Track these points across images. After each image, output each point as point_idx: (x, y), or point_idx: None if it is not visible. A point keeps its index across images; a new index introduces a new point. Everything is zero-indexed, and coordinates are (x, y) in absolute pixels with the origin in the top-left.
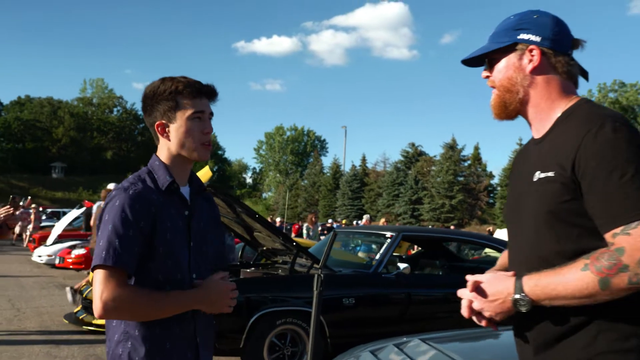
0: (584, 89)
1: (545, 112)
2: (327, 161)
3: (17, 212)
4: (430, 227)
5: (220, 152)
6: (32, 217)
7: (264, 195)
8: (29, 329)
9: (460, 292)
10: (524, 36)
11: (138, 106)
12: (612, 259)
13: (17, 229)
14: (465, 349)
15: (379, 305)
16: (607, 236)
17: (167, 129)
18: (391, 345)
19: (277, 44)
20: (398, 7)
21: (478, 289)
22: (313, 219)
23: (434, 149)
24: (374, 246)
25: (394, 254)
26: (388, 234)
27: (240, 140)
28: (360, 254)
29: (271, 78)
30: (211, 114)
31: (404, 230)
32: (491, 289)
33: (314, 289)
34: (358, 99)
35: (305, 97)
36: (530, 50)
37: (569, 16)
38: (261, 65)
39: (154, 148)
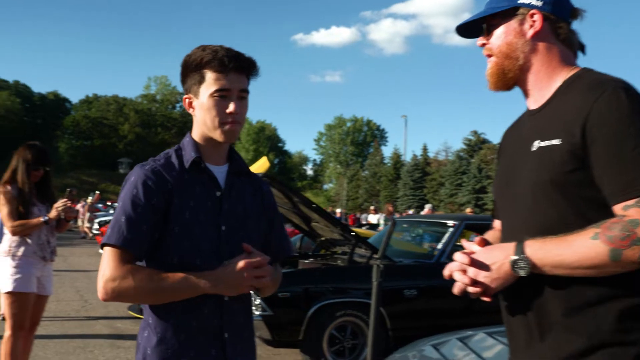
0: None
1: (545, 81)
2: (387, 151)
3: (75, 206)
4: None
5: (280, 144)
6: (85, 209)
7: (325, 186)
8: (95, 320)
9: (450, 266)
10: (524, 0)
11: None
12: (626, 230)
13: (79, 222)
14: None
15: (442, 296)
16: (617, 208)
17: (193, 104)
18: (454, 339)
19: (336, 35)
20: None
21: (472, 259)
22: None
23: (498, 136)
24: (435, 236)
25: (457, 243)
26: (450, 223)
27: (300, 133)
28: (425, 245)
29: (330, 69)
30: (243, 91)
31: (467, 219)
32: (488, 255)
33: (373, 279)
34: (418, 87)
35: (364, 88)
36: (532, 15)
37: None
38: (320, 57)
39: None
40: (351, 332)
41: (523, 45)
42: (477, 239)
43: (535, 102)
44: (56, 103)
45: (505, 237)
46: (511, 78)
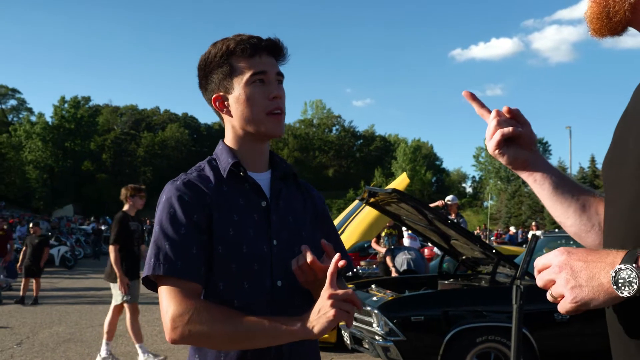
0: None
1: None
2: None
3: None
4: None
5: (437, 162)
6: None
7: (485, 204)
8: None
9: (540, 276)
10: None
11: (355, 123)
12: None
13: None
14: None
15: (598, 319)
16: None
17: (225, 102)
18: None
19: (496, 47)
20: None
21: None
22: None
23: None
24: None
25: None
26: None
27: (458, 150)
28: None
29: (492, 83)
30: (279, 74)
31: None
32: (581, 263)
33: (513, 302)
34: (585, 95)
35: (527, 99)
36: None
37: None
38: (480, 71)
39: (372, 164)
40: None
41: None
42: None
43: None
44: (220, 133)
45: (606, 237)
46: (619, 21)
